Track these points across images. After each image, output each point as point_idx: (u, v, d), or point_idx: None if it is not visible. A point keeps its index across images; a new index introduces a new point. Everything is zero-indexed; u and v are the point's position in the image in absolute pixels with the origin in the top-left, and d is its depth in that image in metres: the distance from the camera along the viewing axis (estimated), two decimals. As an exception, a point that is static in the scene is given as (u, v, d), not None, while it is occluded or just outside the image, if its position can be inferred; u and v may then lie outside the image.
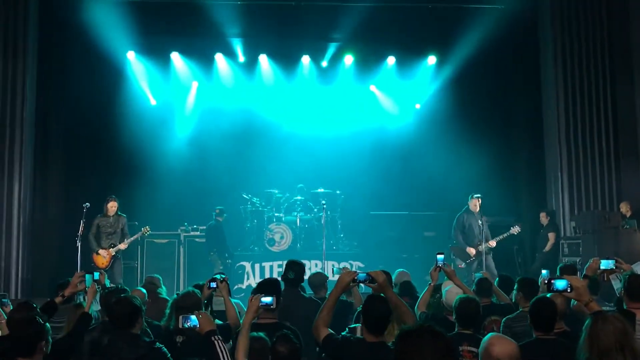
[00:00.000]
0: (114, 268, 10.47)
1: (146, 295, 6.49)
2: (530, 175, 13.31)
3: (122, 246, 10.55)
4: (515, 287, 5.89)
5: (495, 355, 3.41)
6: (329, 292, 6.48)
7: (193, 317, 4.30)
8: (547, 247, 11.63)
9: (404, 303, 4.46)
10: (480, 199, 11.07)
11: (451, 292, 5.86)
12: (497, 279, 7.31)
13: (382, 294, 4.23)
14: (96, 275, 5.47)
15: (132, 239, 10.68)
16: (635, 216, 11.14)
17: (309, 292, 6.62)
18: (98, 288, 5.40)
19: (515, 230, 11.03)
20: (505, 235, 11.08)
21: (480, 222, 10.85)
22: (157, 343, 4.46)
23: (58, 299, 5.07)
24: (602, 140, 12.06)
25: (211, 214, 12.24)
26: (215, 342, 4.07)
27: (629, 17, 12.09)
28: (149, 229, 10.80)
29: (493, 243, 10.94)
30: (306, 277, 6.70)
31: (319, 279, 6.69)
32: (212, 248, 11.72)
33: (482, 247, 10.73)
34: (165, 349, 4.37)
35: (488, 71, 13.57)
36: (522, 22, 12.94)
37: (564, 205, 12.02)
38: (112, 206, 10.64)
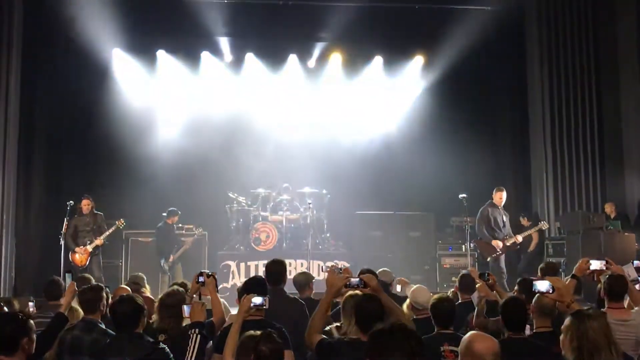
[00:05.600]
0: (92, 264, 10.55)
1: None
2: (516, 176, 13.38)
3: (98, 242, 10.62)
4: (516, 288, 5.88)
5: (477, 352, 3.40)
6: (314, 292, 6.55)
7: (187, 308, 4.30)
8: (531, 247, 11.75)
9: (398, 306, 4.44)
10: (504, 191, 10.90)
11: (417, 291, 5.86)
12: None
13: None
14: (68, 277, 5.41)
15: (106, 233, 10.75)
16: (619, 217, 11.23)
17: (294, 291, 6.59)
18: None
19: (544, 225, 11.04)
20: (532, 230, 11.10)
21: (503, 216, 10.79)
22: (161, 343, 4.39)
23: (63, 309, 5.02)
24: (587, 142, 12.15)
25: (198, 211, 12.16)
26: (192, 335, 4.04)
27: (615, 21, 12.19)
28: (123, 222, 10.95)
29: (520, 238, 10.83)
30: (290, 276, 6.68)
31: (304, 279, 6.65)
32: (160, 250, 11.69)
33: (509, 242, 10.64)
34: (168, 349, 4.30)
35: (474, 72, 13.63)
36: (509, 24, 13.02)
37: (549, 206, 12.11)
38: (86, 204, 10.73)
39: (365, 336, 3.90)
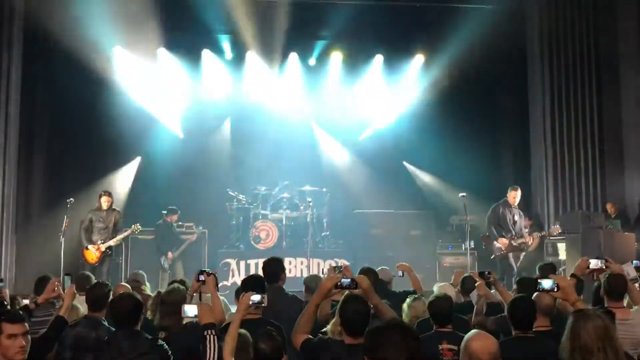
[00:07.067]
0: (102, 265, 10.37)
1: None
2: (516, 175, 13.36)
3: (113, 242, 10.46)
4: (515, 287, 5.87)
5: (473, 350, 3.40)
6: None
7: (188, 308, 4.27)
8: (532, 247, 11.72)
9: (389, 309, 4.39)
10: (519, 190, 10.81)
11: (443, 289, 5.87)
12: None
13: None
14: (67, 279, 5.34)
15: (122, 236, 10.59)
16: (619, 217, 11.23)
17: (297, 291, 6.57)
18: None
19: (556, 230, 10.88)
20: (543, 233, 11.05)
21: (515, 215, 10.72)
22: (159, 340, 4.38)
23: (31, 306, 4.97)
24: (587, 141, 12.15)
25: (198, 209, 12.13)
26: (208, 336, 4.02)
27: (616, 20, 12.19)
28: (139, 227, 10.70)
29: (530, 239, 10.79)
30: (290, 274, 6.65)
31: (314, 282, 6.59)
32: (159, 248, 11.67)
33: (517, 241, 10.56)
34: (167, 347, 4.30)
35: (475, 71, 13.58)
36: (510, 23, 12.98)
37: (548, 206, 12.11)
38: (105, 201, 10.56)
39: (348, 337, 3.83)
